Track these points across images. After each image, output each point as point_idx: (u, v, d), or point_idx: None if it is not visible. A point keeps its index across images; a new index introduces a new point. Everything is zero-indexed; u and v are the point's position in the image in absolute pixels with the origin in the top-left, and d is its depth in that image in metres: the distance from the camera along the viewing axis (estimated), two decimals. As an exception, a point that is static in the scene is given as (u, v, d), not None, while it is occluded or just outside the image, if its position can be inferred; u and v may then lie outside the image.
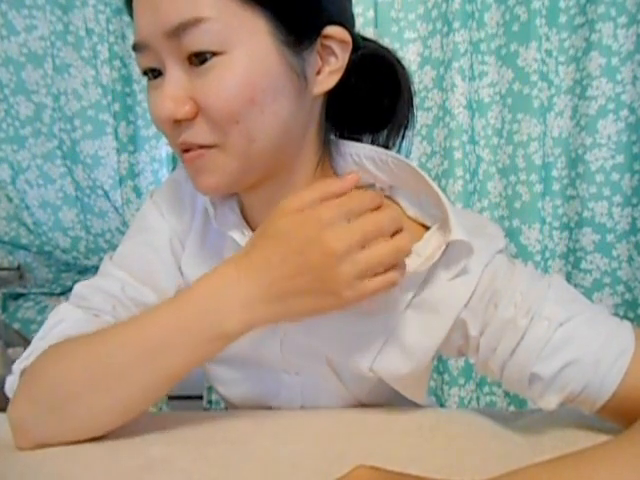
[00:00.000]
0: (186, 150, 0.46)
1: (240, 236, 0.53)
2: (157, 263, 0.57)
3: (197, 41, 0.42)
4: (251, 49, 0.43)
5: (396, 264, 0.44)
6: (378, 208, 0.45)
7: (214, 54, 0.42)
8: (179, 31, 0.42)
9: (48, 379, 0.47)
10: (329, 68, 0.47)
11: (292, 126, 0.47)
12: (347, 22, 0.48)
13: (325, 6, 0.46)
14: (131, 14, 0.47)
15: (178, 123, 0.45)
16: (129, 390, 0.46)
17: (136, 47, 0.46)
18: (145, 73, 0.47)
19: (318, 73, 0.47)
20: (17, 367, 0.50)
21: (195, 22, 0.41)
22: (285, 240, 0.43)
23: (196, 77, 0.43)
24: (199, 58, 0.43)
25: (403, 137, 0.55)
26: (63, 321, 0.53)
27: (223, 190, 0.48)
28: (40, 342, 0.51)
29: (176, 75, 0.44)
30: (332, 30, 0.46)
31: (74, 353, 0.47)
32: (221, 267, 0.46)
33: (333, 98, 0.51)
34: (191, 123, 0.45)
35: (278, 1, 0.43)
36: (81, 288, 0.56)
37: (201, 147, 0.45)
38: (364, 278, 0.42)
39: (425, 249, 0.48)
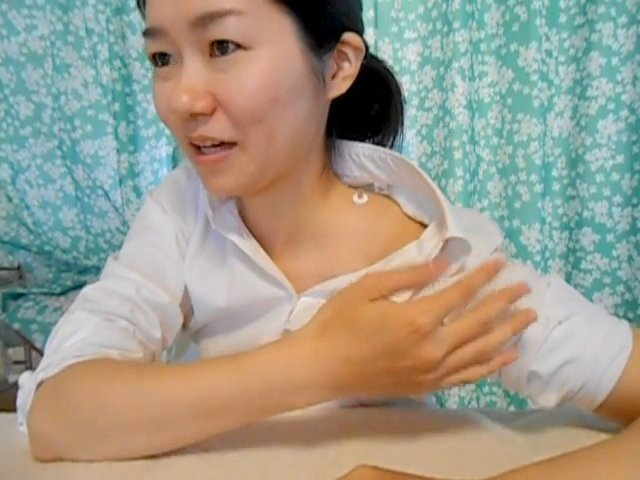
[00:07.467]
0: (198, 148, 0.45)
1: (240, 239, 0.52)
2: (165, 262, 0.56)
3: (222, 30, 0.40)
4: (277, 48, 0.42)
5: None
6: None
7: (238, 46, 0.41)
8: (205, 21, 0.40)
9: (79, 405, 0.43)
10: (343, 73, 0.48)
11: (308, 128, 0.47)
12: (361, 30, 0.49)
13: (346, 12, 0.46)
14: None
15: (193, 117, 0.43)
16: (171, 439, 0.44)
17: (149, 32, 0.43)
18: (152, 58, 0.45)
19: (333, 77, 0.48)
20: (34, 379, 0.46)
21: (224, 13, 0.40)
22: (372, 333, 0.40)
23: (216, 70, 0.42)
24: (222, 48, 0.41)
25: (392, 144, 0.56)
26: (79, 330, 0.48)
27: (238, 192, 0.48)
28: (57, 354, 0.47)
29: (194, 66, 0.42)
30: (349, 37, 0.46)
31: (116, 384, 0.44)
32: (294, 344, 0.43)
33: (335, 104, 0.51)
34: (207, 118, 0.43)
35: (306, 3, 0.43)
36: (91, 291, 0.52)
37: (222, 144, 0.44)
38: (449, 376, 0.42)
39: (423, 248, 0.48)
